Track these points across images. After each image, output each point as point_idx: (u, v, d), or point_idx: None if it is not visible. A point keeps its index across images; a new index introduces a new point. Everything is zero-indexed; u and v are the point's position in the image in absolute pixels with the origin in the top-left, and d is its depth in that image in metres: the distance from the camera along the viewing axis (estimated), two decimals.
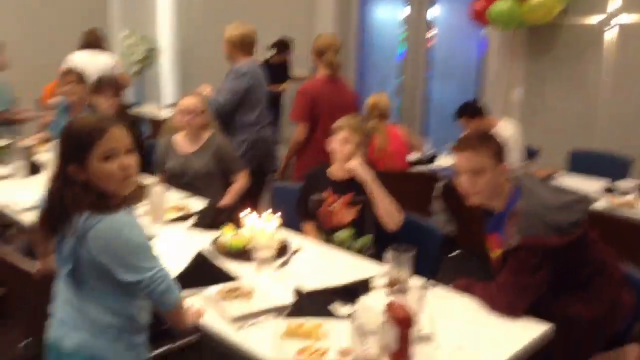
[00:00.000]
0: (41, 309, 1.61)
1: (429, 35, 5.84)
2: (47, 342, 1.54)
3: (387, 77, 6.34)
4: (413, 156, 4.11)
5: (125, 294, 1.48)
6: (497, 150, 1.87)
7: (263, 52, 6.29)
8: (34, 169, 3.11)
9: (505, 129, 3.83)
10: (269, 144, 3.79)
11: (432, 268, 2.18)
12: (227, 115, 3.52)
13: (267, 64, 6.25)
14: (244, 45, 3.62)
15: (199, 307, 1.65)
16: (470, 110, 3.84)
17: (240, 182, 3.12)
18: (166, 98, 7.84)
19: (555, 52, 4.66)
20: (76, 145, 1.45)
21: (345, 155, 2.39)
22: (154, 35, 7.65)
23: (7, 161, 3.17)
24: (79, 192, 1.44)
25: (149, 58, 7.42)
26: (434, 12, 5.79)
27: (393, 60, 6.20)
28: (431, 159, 4.11)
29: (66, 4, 6.81)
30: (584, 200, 1.85)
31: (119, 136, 1.47)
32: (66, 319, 1.51)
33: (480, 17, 4.74)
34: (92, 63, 4.50)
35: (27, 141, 3.40)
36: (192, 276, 1.83)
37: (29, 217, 2.38)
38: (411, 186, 3.46)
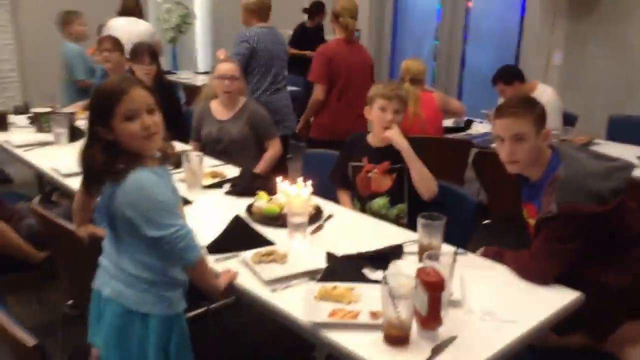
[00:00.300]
0: (85, 270, 1.70)
1: None
2: (93, 289, 1.65)
3: (423, 41, 6.23)
4: (448, 122, 4.07)
5: (154, 248, 1.54)
6: (539, 115, 1.83)
7: (300, 17, 6.25)
8: (76, 135, 3.20)
9: (544, 93, 3.74)
10: (275, 110, 3.75)
11: (464, 235, 2.18)
12: None
13: (304, 29, 6.21)
14: (260, 11, 3.74)
15: (233, 269, 1.71)
16: (507, 75, 3.76)
17: (273, 149, 3.16)
18: (200, 65, 7.89)
19: (597, 12, 4.49)
20: (101, 108, 1.52)
21: (382, 124, 2.39)
22: (189, 2, 7.65)
23: (50, 128, 3.28)
24: (98, 152, 1.52)
25: (184, 25, 7.44)
26: None
27: (430, 24, 6.08)
28: (466, 126, 4.06)
29: None
30: (626, 167, 1.81)
31: (140, 96, 1.53)
32: (107, 268, 1.62)
33: None
34: (130, 30, 4.57)
35: (69, 108, 3.49)
36: (229, 240, 1.89)
37: (71, 183, 2.48)
38: (445, 153, 3.43)
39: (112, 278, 1.59)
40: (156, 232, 1.49)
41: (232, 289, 1.70)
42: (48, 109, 3.33)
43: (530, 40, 5.19)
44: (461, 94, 5.85)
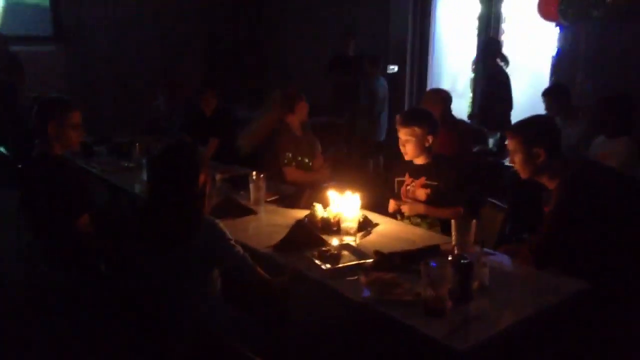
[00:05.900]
0: None
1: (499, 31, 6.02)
2: None
3: (459, 75, 6.56)
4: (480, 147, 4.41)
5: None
6: (526, 138, 2.22)
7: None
8: None
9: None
10: None
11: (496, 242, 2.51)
12: None
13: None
14: None
15: (297, 264, 2.10)
16: (556, 92, 4.07)
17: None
18: None
19: None
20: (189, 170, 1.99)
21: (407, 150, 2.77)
22: None
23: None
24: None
25: None
26: (504, 9, 5.96)
27: (466, 58, 6.39)
28: (498, 151, 4.36)
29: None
30: None
31: None
32: None
33: (549, 11, 4.91)
34: None
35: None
36: (293, 240, 2.26)
37: None
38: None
39: None
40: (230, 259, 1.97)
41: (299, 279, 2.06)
42: (126, 140, 3.82)
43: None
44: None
